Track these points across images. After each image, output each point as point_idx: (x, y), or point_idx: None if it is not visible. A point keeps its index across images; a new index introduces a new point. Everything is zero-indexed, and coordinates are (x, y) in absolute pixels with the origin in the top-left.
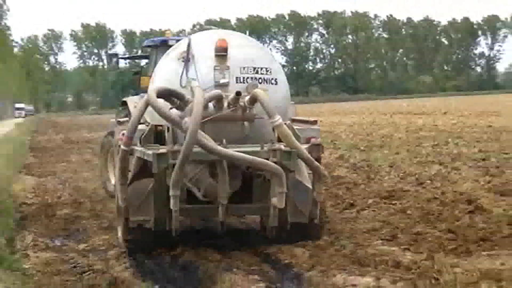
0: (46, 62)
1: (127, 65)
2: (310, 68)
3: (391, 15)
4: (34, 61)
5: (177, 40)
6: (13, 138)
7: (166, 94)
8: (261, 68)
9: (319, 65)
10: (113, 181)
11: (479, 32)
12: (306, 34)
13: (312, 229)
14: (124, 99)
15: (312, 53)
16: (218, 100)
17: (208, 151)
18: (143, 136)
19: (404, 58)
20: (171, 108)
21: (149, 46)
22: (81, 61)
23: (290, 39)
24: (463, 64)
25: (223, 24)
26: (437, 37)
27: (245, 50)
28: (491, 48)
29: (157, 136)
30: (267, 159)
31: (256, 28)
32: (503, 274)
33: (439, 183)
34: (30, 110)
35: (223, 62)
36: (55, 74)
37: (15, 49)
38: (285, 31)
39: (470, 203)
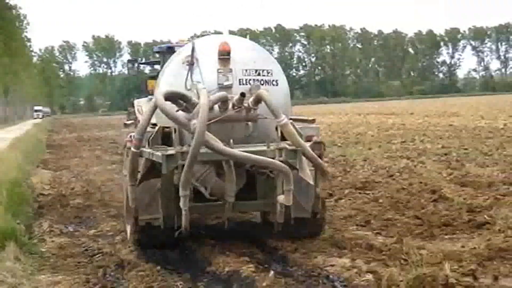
0: (61, 70)
1: (145, 70)
2: (294, 74)
3: (364, 28)
4: (51, 69)
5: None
6: (31, 136)
7: (173, 97)
8: (263, 70)
9: (301, 72)
10: None
11: (442, 43)
12: (290, 44)
13: (315, 224)
14: (134, 101)
15: (295, 61)
16: (223, 101)
17: (216, 152)
18: (151, 137)
19: (376, 66)
20: (177, 110)
21: (157, 52)
22: (92, 68)
23: (276, 49)
24: (428, 71)
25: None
26: (405, 47)
27: (247, 53)
28: (452, 57)
29: (164, 137)
30: (273, 157)
31: None
32: (463, 255)
33: (407, 175)
34: (47, 112)
35: (226, 65)
36: (69, 80)
37: (34, 59)
38: (271, 42)
39: (434, 192)
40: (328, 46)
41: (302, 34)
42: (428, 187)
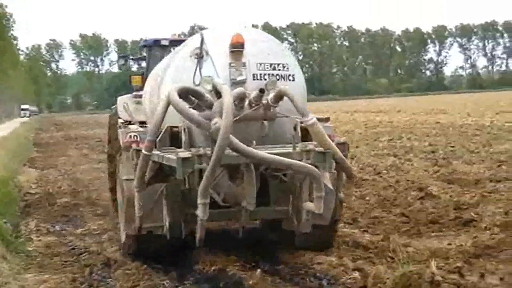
0: (48, 68)
1: (133, 67)
2: None
3: (351, 26)
4: (38, 67)
5: (170, 41)
6: (19, 135)
7: (186, 94)
8: (278, 64)
9: None
10: None
11: (429, 41)
12: None
13: (329, 233)
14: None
15: None
16: (241, 98)
17: (244, 155)
18: (157, 138)
19: (363, 63)
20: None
21: (144, 46)
22: (79, 67)
23: None
24: (415, 69)
25: None
26: (392, 44)
27: (260, 45)
28: (439, 54)
29: (172, 138)
30: (300, 160)
31: None
32: (450, 252)
33: (394, 173)
34: (34, 110)
35: (239, 59)
36: (56, 79)
37: (21, 57)
38: None
39: (421, 190)
40: (315, 44)
41: (289, 32)
42: (415, 185)
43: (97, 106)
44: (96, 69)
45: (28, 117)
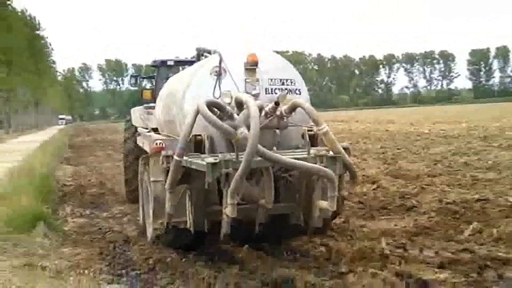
0: (80, 86)
1: (147, 85)
2: None
3: (320, 53)
4: (72, 85)
5: (175, 61)
6: (57, 139)
7: (211, 106)
8: (286, 80)
9: None
10: None
11: (381, 66)
12: None
13: (327, 224)
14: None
15: None
16: (259, 110)
17: (270, 161)
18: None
19: (329, 83)
20: None
21: (153, 66)
22: (105, 85)
23: None
24: (369, 88)
25: None
26: (352, 68)
27: (271, 63)
28: (389, 77)
29: (196, 145)
30: (315, 163)
31: None
32: (396, 231)
33: None
34: (69, 119)
35: (253, 75)
36: (86, 95)
37: (59, 77)
38: None
39: (374, 183)
40: None
41: None
42: (369, 179)
43: (118, 116)
44: (118, 87)
45: (64, 125)
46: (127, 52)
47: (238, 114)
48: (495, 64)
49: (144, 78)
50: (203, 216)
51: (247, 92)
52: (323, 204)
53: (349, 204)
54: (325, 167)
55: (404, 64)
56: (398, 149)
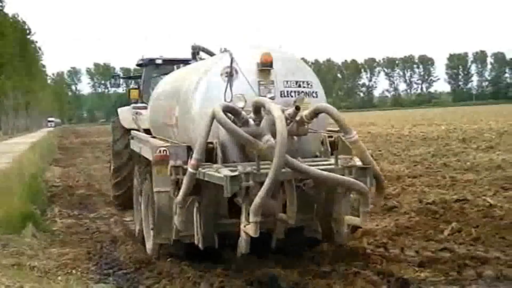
0: (69, 89)
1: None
2: None
3: (303, 57)
4: (61, 89)
5: (163, 60)
6: (46, 141)
7: (226, 111)
8: (303, 82)
9: None
10: None
11: (362, 70)
12: None
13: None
14: (118, 108)
15: None
16: None
17: (300, 172)
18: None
19: None
20: None
21: (139, 65)
22: (93, 88)
23: None
24: (351, 91)
25: None
26: (334, 72)
27: (286, 64)
28: (370, 80)
29: (206, 153)
30: (343, 175)
31: None
32: (377, 231)
33: None
34: (58, 122)
35: (267, 77)
36: (75, 98)
37: (49, 81)
38: None
39: None
40: None
41: None
42: None
43: (106, 120)
44: (106, 90)
45: (53, 127)
46: (116, 56)
47: (254, 120)
48: (473, 68)
49: (123, 78)
50: (212, 230)
51: (261, 95)
52: (354, 220)
53: None
54: (355, 178)
55: (384, 68)
56: (380, 150)
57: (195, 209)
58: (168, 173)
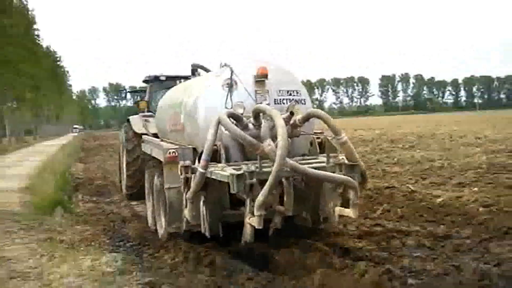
0: (90, 103)
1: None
2: None
3: None
4: (84, 103)
5: (166, 77)
6: (72, 143)
7: (229, 117)
8: (293, 91)
9: None
10: None
11: (315, 87)
12: None
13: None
14: (128, 117)
15: None
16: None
17: (298, 173)
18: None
19: None
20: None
21: (146, 81)
22: (108, 102)
23: None
24: None
25: None
26: None
27: (279, 75)
28: (321, 95)
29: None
30: (333, 172)
31: None
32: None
33: None
34: (81, 128)
35: (263, 87)
36: (94, 110)
37: (74, 97)
38: None
39: None
40: None
41: None
42: None
43: (118, 128)
44: (118, 104)
45: (77, 133)
46: (126, 76)
47: (253, 125)
48: (399, 86)
49: (129, 92)
50: (217, 221)
51: (258, 103)
52: (346, 211)
53: None
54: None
55: (332, 86)
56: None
57: (201, 203)
58: (179, 172)
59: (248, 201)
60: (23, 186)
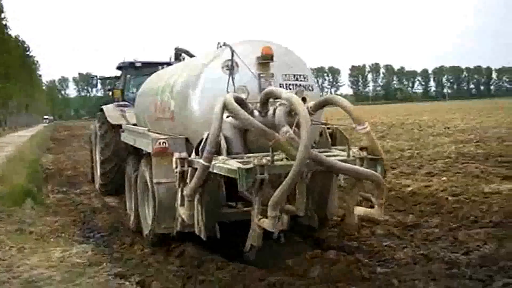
0: (59, 93)
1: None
2: None
3: None
4: (53, 93)
5: (142, 63)
6: (42, 134)
7: (237, 102)
8: (300, 75)
9: None
10: None
11: None
12: None
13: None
14: (101, 107)
15: None
16: None
17: (322, 165)
18: (200, 146)
19: None
20: (228, 117)
21: (120, 68)
22: (78, 92)
23: None
24: None
25: None
26: None
27: (285, 57)
28: None
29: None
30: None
31: None
32: None
33: None
34: (51, 119)
35: (267, 70)
36: (64, 100)
37: (43, 87)
38: None
39: None
40: None
41: None
42: None
43: (88, 118)
44: (88, 94)
45: (47, 123)
46: (97, 66)
47: (259, 111)
48: (369, 77)
49: (100, 79)
50: (214, 221)
51: (262, 88)
52: (369, 212)
53: None
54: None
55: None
56: None
57: (196, 201)
58: (173, 165)
59: (257, 200)
60: None
